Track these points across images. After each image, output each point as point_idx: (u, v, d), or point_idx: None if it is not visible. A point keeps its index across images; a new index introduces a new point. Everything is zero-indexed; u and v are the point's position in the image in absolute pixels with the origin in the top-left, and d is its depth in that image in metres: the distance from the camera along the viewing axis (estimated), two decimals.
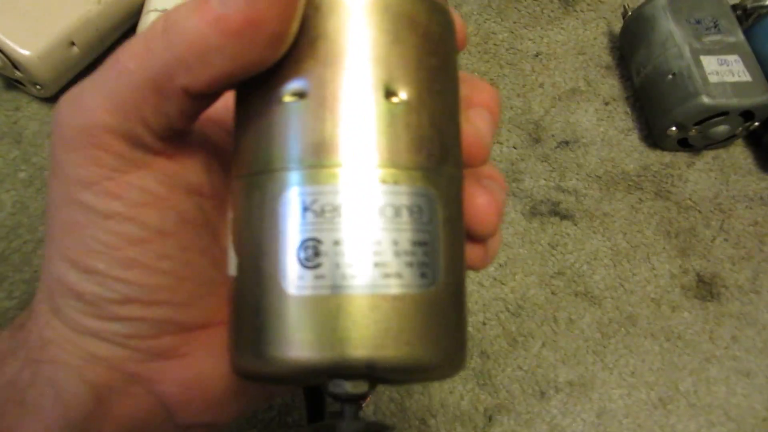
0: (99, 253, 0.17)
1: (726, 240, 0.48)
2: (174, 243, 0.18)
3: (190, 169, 0.19)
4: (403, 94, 0.17)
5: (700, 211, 0.49)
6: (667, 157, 0.51)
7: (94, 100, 0.17)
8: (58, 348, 0.18)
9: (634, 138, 0.52)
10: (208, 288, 0.19)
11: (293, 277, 0.16)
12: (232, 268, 0.17)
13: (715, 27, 0.46)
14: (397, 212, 0.16)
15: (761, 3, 0.48)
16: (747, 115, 0.45)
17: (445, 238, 0.17)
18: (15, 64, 0.44)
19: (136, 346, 0.18)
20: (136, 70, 0.16)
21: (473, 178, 0.19)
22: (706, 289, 0.46)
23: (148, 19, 0.46)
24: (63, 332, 0.18)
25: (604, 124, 0.52)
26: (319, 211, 0.16)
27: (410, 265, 0.16)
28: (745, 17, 0.49)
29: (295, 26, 0.16)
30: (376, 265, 0.16)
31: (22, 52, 0.43)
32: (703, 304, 0.46)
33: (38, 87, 0.46)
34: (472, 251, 0.20)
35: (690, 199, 0.50)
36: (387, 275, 0.16)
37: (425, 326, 0.16)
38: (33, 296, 0.19)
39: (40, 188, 0.45)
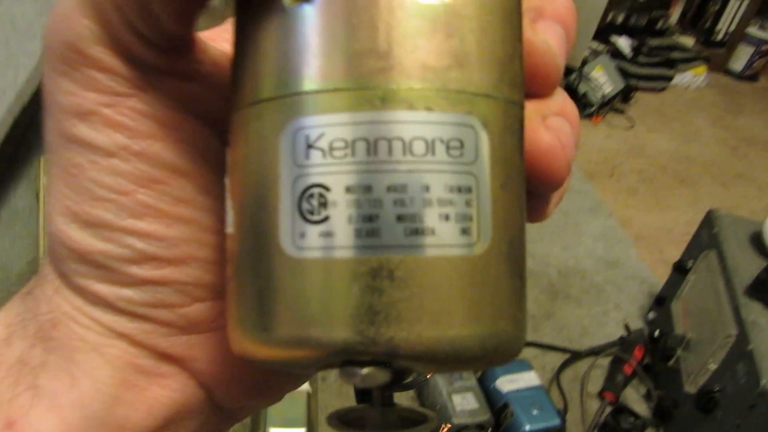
0: (104, 201, 0.14)
1: None
2: (194, 184, 0.15)
3: (207, 94, 0.15)
4: None
5: None
6: None
7: (67, 1, 0.13)
8: (72, 321, 0.15)
9: None
10: None
11: (294, 235, 0.12)
12: (229, 224, 0.14)
13: (460, 376, 0.71)
14: (429, 148, 0.12)
15: None
16: (480, 426, 0.68)
17: (496, 183, 0.12)
18: None
19: (161, 317, 0.15)
20: None
21: (537, 113, 0.15)
22: None
23: None
24: (75, 302, 0.15)
25: None
26: (326, 149, 0.12)
27: (447, 218, 0.12)
28: None
29: None
30: (401, 218, 0.12)
31: None
32: None
33: None
34: (528, 203, 0.15)
35: None
36: (416, 232, 0.12)
37: (467, 299, 0.12)
38: None
39: None
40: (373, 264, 0.11)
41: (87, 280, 0.14)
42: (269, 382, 0.17)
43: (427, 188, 0.12)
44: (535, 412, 0.67)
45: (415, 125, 0.12)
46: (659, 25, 2.08)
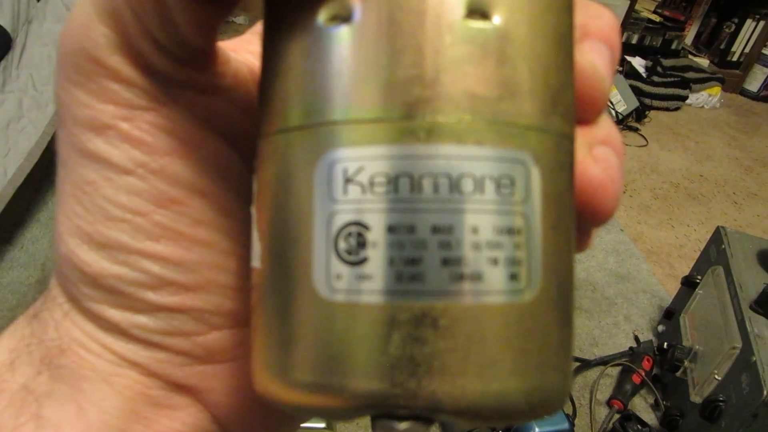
0: (119, 221, 0.12)
1: None
2: (214, 205, 0.13)
3: (228, 109, 0.13)
4: (495, 17, 0.11)
5: None
6: None
7: (83, 5, 0.12)
8: (82, 348, 0.13)
9: None
10: None
11: (328, 276, 0.11)
12: (255, 258, 0.12)
13: None
14: (478, 185, 0.10)
15: None
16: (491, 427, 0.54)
17: (547, 224, 0.11)
18: None
19: (176, 346, 0.13)
20: None
21: (583, 142, 0.13)
22: None
23: None
24: (86, 328, 0.13)
25: None
26: (366, 184, 0.10)
27: (495, 262, 0.10)
28: None
29: None
30: (447, 262, 0.10)
31: None
32: None
33: None
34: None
35: None
36: (462, 277, 0.10)
37: (515, 350, 0.11)
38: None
39: None
40: (415, 311, 0.10)
41: (99, 306, 0.13)
42: (288, 417, 0.15)
43: (475, 230, 0.10)
44: None
45: (464, 161, 0.10)
46: (674, 45, 2.03)
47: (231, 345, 0.14)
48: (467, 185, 0.10)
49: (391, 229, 0.10)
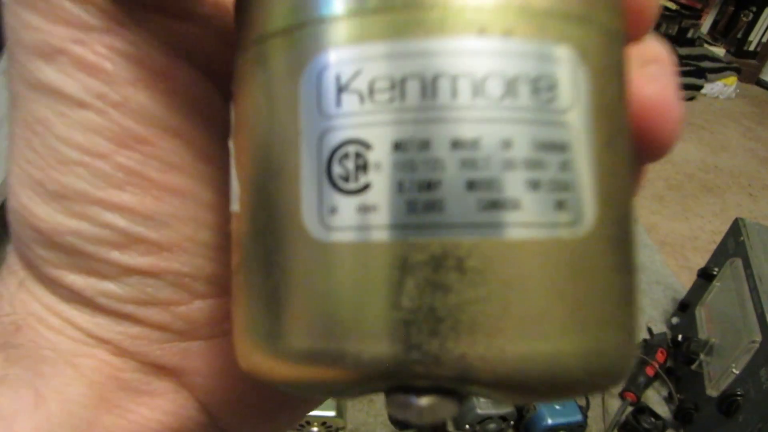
0: (75, 165, 0.10)
1: None
2: (190, 147, 0.11)
3: (208, 39, 0.11)
4: None
5: None
6: None
7: None
8: (40, 324, 0.11)
9: None
10: None
11: (321, 211, 0.08)
12: (234, 200, 0.10)
13: None
14: (510, 88, 0.08)
15: None
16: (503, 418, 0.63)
17: (600, 140, 0.08)
18: None
19: (152, 318, 0.11)
20: None
21: (634, 60, 0.10)
22: None
23: None
24: (44, 300, 0.11)
25: None
26: (365, 92, 0.08)
27: (535, 186, 0.08)
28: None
29: None
30: (473, 185, 0.08)
31: None
32: None
33: None
34: None
35: None
36: (494, 205, 0.08)
37: (567, 301, 0.08)
38: None
39: None
40: (434, 250, 0.08)
41: (59, 271, 0.11)
42: (287, 401, 0.13)
43: (507, 144, 0.08)
44: (557, 407, 0.65)
45: (489, 57, 0.08)
46: (690, 34, 1.98)
47: (218, 317, 0.12)
48: (495, 87, 0.08)
49: (398, 146, 0.08)
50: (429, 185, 0.08)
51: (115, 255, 0.11)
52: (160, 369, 0.12)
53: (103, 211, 0.10)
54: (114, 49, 0.10)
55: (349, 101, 0.08)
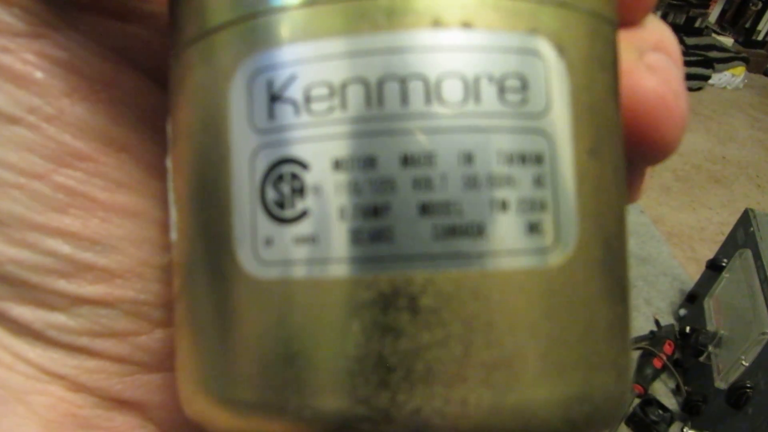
0: (8, 187, 0.09)
1: None
2: (138, 161, 0.10)
3: (155, 40, 0.10)
4: None
5: None
6: None
7: None
8: None
9: None
10: None
11: (255, 243, 0.07)
12: (173, 227, 0.09)
13: None
14: (471, 90, 0.07)
15: None
16: None
17: (582, 147, 0.07)
18: None
19: (109, 350, 0.10)
20: None
21: (630, 46, 0.09)
22: None
23: None
24: None
25: None
26: (300, 101, 0.07)
27: (503, 206, 0.07)
28: None
29: None
30: (427, 209, 0.06)
31: None
32: None
33: None
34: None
35: None
36: (452, 232, 0.06)
37: (543, 341, 0.07)
38: None
39: None
40: (383, 287, 0.07)
41: (3, 303, 0.10)
42: None
43: (469, 158, 0.07)
44: None
45: (446, 54, 0.07)
46: (697, 23, 1.94)
47: None
48: (454, 90, 0.06)
49: (339, 165, 0.06)
50: (376, 211, 0.06)
51: (62, 284, 0.10)
52: (122, 404, 0.10)
53: (44, 237, 0.09)
54: (45, 56, 0.09)
55: (283, 112, 0.07)
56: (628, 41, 0.09)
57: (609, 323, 0.07)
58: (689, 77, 1.86)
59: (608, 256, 0.07)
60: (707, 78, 1.91)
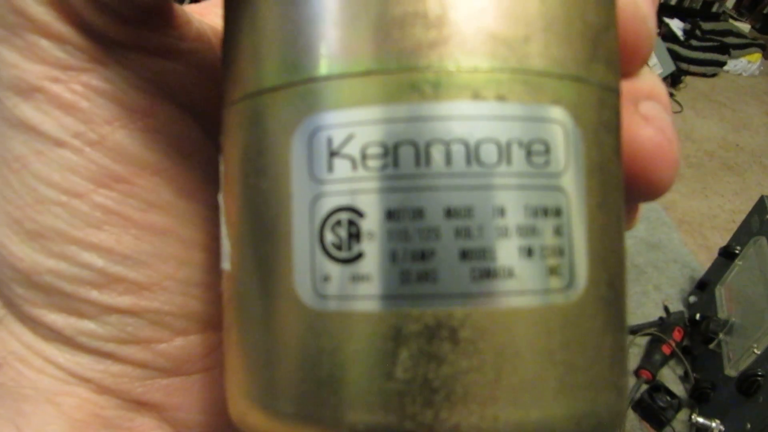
0: (51, 204, 0.10)
1: None
2: (170, 185, 0.11)
3: (190, 76, 0.11)
4: None
5: None
6: None
7: None
8: (21, 363, 0.11)
9: None
10: None
11: (314, 280, 0.08)
12: (225, 258, 0.10)
13: None
14: (504, 154, 0.08)
15: None
16: None
17: (593, 201, 0.08)
18: None
19: (133, 356, 0.11)
20: None
21: (627, 97, 0.10)
22: None
23: None
24: (25, 338, 0.11)
25: None
26: (357, 158, 0.08)
27: (529, 253, 0.08)
28: None
29: None
30: (467, 255, 0.07)
31: None
32: None
33: None
34: None
35: None
36: (487, 274, 0.08)
37: (559, 366, 0.08)
38: None
39: None
40: (428, 320, 0.08)
41: (38, 310, 0.11)
42: None
43: (501, 211, 0.08)
44: None
45: (484, 122, 0.08)
46: (714, 8, 1.89)
47: (201, 353, 0.11)
48: (489, 154, 0.07)
49: (391, 215, 0.07)
50: (423, 255, 0.07)
51: (94, 294, 0.10)
52: (142, 405, 0.11)
53: (80, 250, 0.10)
54: (91, 87, 0.10)
55: (342, 166, 0.08)
56: (625, 91, 0.10)
57: (612, 351, 0.09)
58: (704, 63, 1.81)
59: (612, 293, 0.09)
60: (722, 64, 1.86)
